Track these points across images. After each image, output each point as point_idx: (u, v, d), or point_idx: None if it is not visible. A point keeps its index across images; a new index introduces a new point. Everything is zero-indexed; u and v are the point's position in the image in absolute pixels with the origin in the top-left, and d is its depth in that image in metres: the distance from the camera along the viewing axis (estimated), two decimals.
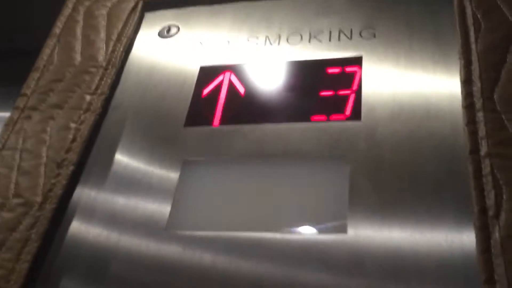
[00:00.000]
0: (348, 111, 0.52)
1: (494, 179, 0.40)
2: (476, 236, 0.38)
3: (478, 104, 0.44)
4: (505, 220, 0.37)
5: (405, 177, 0.45)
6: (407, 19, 0.57)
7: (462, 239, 0.40)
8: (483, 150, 0.42)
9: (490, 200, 0.39)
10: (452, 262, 0.39)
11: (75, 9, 0.69)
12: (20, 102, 0.58)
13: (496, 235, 0.37)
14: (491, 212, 0.38)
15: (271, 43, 0.60)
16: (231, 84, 0.58)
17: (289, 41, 0.60)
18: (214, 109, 0.56)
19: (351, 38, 0.58)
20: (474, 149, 0.42)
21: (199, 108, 0.56)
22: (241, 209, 0.48)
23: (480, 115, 0.44)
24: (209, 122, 0.55)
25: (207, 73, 0.59)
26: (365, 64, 0.55)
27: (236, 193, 0.49)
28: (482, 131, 0.43)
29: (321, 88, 0.54)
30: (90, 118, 0.55)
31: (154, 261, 0.45)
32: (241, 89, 0.57)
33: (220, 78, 0.58)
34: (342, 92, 0.53)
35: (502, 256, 0.36)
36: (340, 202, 0.45)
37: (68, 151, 0.53)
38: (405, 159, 0.46)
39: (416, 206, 0.43)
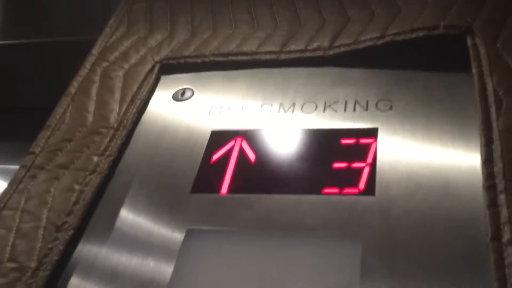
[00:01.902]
0: (362, 185, 0.49)
1: None
2: None
3: (500, 186, 0.42)
4: None
5: (419, 261, 0.42)
6: (425, 92, 0.56)
7: None
8: (506, 236, 0.38)
9: None
10: None
11: (92, 69, 0.69)
12: (27, 161, 0.57)
13: None
14: None
15: (285, 111, 0.59)
16: (241, 150, 0.56)
17: (303, 109, 0.59)
18: (222, 176, 0.54)
19: (367, 109, 0.56)
20: (496, 236, 0.39)
21: (207, 174, 0.54)
22: (243, 284, 0.45)
23: (502, 198, 0.41)
24: (217, 189, 0.53)
25: (218, 138, 0.58)
26: (380, 136, 0.53)
27: (239, 266, 0.46)
28: (504, 215, 0.40)
29: (334, 160, 0.52)
30: (95, 180, 0.54)
31: None
32: (252, 156, 0.55)
33: (231, 143, 0.57)
34: (356, 165, 0.51)
35: None
36: (351, 283, 0.42)
37: (69, 214, 0.51)
38: (421, 241, 0.43)
39: None
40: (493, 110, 0.47)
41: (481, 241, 0.40)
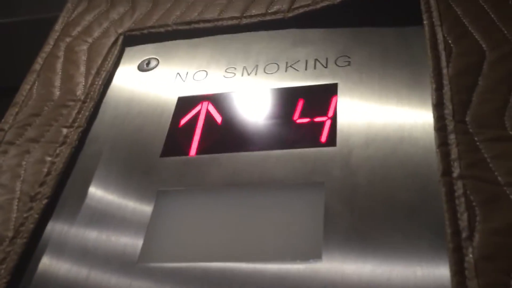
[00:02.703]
0: (324, 137, 0.51)
1: (467, 200, 0.39)
2: (449, 258, 0.37)
3: (450, 126, 0.44)
4: (479, 242, 0.37)
5: (380, 202, 0.44)
6: (382, 46, 0.58)
7: (437, 263, 0.39)
8: (456, 172, 0.41)
9: (463, 222, 0.38)
10: (426, 287, 0.38)
11: (56, 45, 0.69)
12: None
13: (470, 256, 0.36)
14: (464, 234, 0.37)
15: (248, 73, 0.61)
16: (208, 113, 0.58)
17: (266, 70, 0.60)
18: (191, 139, 0.55)
19: (326, 66, 0.58)
20: (447, 171, 0.41)
21: (176, 138, 0.56)
22: (216, 239, 0.47)
23: (452, 137, 0.43)
24: (186, 152, 0.54)
25: (185, 104, 0.59)
26: (340, 91, 0.55)
27: (210, 223, 0.48)
28: (454, 153, 0.42)
29: (297, 116, 0.54)
30: (65, 151, 0.55)
31: (129, 283, 0.44)
32: (219, 118, 0.57)
33: (197, 108, 0.58)
34: (318, 119, 0.53)
35: (476, 278, 0.35)
36: (315, 228, 0.44)
37: (42, 184, 0.52)
38: (380, 184, 0.45)
39: (391, 231, 0.42)
40: (443, 57, 0.49)
41: (433, 179, 0.43)
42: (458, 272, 0.36)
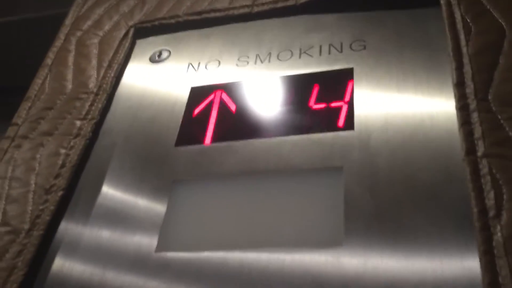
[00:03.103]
0: (341, 122, 0.50)
1: (493, 179, 0.38)
2: (477, 238, 0.36)
3: (472, 105, 0.43)
4: (507, 220, 0.35)
5: (401, 185, 0.43)
6: (397, 29, 0.57)
7: (463, 244, 0.38)
8: (480, 150, 0.40)
9: (490, 201, 0.37)
10: (454, 266, 0.37)
11: (67, 39, 0.69)
12: (11, 132, 0.58)
13: (498, 235, 0.35)
14: (491, 213, 0.36)
15: (261, 61, 0.60)
16: (222, 102, 0.57)
17: (279, 58, 0.59)
18: (205, 127, 0.55)
19: (341, 51, 0.57)
20: (471, 150, 0.40)
21: (190, 127, 0.55)
22: (234, 228, 0.46)
23: (475, 116, 0.42)
24: (201, 140, 0.53)
25: (198, 93, 0.58)
26: (356, 75, 0.54)
27: (228, 211, 0.47)
28: (478, 131, 0.41)
29: (313, 102, 0.53)
30: (80, 143, 0.55)
31: (146, 275, 0.43)
32: (233, 107, 0.56)
33: (211, 97, 0.58)
34: (334, 104, 0.52)
35: (505, 257, 0.33)
36: (336, 214, 0.43)
37: (57, 177, 0.52)
38: (400, 167, 0.44)
39: (413, 214, 0.41)
40: (462, 36, 0.48)
41: (457, 158, 0.42)
42: (487, 251, 0.34)
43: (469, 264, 0.37)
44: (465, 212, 0.39)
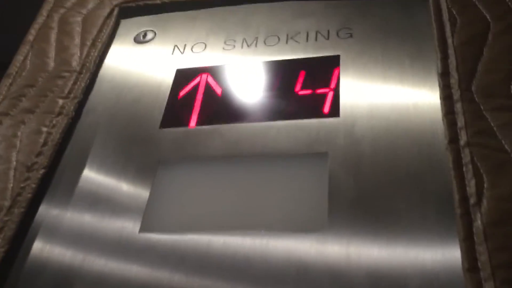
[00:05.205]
0: (326, 109, 0.51)
1: (475, 167, 0.39)
2: (458, 224, 0.37)
3: (456, 95, 0.44)
4: (487, 208, 0.36)
5: (384, 171, 0.44)
6: (383, 18, 0.57)
7: (443, 230, 0.39)
8: (463, 139, 0.41)
9: (471, 188, 0.38)
10: (434, 251, 0.38)
11: (49, 16, 0.68)
12: None
13: (478, 222, 0.36)
14: (472, 200, 0.37)
15: (248, 45, 0.60)
16: (208, 85, 0.57)
17: (266, 43, 0.59)
18: (190, 110, 0.54)
19: (328, 38, 0.57)
20: (454, 139, 0.41)
21: (175, 109, 0.55)
22: (218, 210, 0.46)
23: (458, 106, 0.43)
24: (186, 123, 0.53)
25: (184, 76, 0.58)
26: (342, 62, 0.54)
27: (212, 194, 0.47)
28: (461, 121, 0.42)
29: (299, 87, 0.53)
30: (62, 122, 0.54)
31: (129, 257, 0.43)
32: (218, 90, 0.56)
33: (197, 80, 0.57)
34: (320, 91, 0.53)
35: (485, 243, 0.34)
36: (320, 199, 0.44)
37: (38, 155, 0.51)
38: (384, 153, 0.45)
39: (396, 200, 0.42)
40: (448, 28, 0.49)
41: (440, 146, 0.43)
42: (467, 237, 0.35)
43: (450, 250, 0.38)
44: (446, 199, 0.40)
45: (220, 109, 0.54)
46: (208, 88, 0.56)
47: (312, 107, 0.51)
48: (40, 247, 0.46)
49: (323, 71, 0.54)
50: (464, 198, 0.37)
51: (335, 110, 0.50)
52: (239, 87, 0.56)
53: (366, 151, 0.45)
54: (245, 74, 0.57)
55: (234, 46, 0.60)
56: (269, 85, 0.55)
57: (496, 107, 0.43)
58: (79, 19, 0.67)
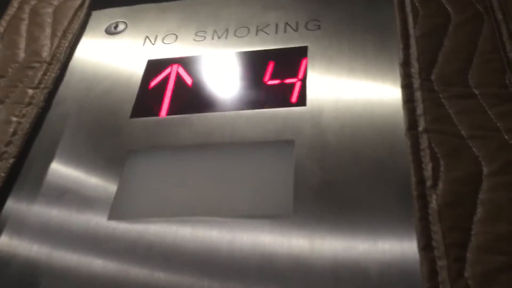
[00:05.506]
0: (294, 98, 0.52)
1: (432, 152, 0.40)
2: (414, 206, 0.38)
3: (416, 84, 0.46)
4: (442, 190, 0.38)
5: (348, 159, 0.45)
6: (351, 11, 0.58)
7: (402, 212, 0.40)
8: (421, 126, 0.43)
9: (428, 172, 0.39)
10: (394, 235, 0.39)
11: (20, 8, 0.67)
12: None
13: (434, 203, 0.37)
14: (428, 183, 0.39)
15: (219, 37, 0.61)
16: (178, 76, 0.57)
17: (236, 34, 0.60)
18: (161, 100, 0.55)
19: (297, 30, 0.59)
20: (413, 126, 0.43)
21: (146, 99, 0.56)
22: (187, 197, 0.47)
23: (418, 94, 0.45)
24: (156, 113, 0.54)
25: (155, 66, 0.59)
26: (310, 53, 0.55)
27: (182, 181, 0.48)
28: (420, 108, 0.44)
29: (268, 78, 0.55)
30: (32, 112, 0.54)
31: (97, 246, 0.44)
32: (189, 81, 0.57)
33: (167, 70, 0.58)
34: (288, 81, 0.54)
35: (439, 223, 0.36)
36: (286, 186, 0.45)
37: (8, 144, 0.51)
38: (349, 142, 0.46)
39: (359, 186, 0.43)
40: (410, 19, 0.51)
41: (401, 134, 0.44)
42: (422, 217, 0.37)
43: (408, 230, 0.39)
44: (406, 183, 0.41)
45: (191, 99, 0.55)
46: (179, 78, 0.57)
47: (280, 97, 0.52)
48: (6, 240, 0.46)
49: (291, 61, 0.55)
50: (421, 181, 0.39)
51: (302, 100, 0.51)
52: (209, 78, 0.57)
53: (331, 140, 0.47)
54: (216, 65, 0.58)
55: (205, 38, 0.61)
56: (239, 75, 0.56)
57: (454, 94, 0.44)
58: (50, 10, 0.67)
